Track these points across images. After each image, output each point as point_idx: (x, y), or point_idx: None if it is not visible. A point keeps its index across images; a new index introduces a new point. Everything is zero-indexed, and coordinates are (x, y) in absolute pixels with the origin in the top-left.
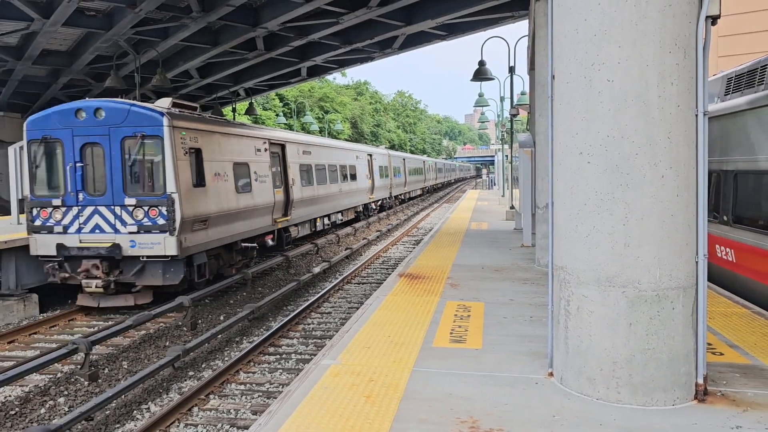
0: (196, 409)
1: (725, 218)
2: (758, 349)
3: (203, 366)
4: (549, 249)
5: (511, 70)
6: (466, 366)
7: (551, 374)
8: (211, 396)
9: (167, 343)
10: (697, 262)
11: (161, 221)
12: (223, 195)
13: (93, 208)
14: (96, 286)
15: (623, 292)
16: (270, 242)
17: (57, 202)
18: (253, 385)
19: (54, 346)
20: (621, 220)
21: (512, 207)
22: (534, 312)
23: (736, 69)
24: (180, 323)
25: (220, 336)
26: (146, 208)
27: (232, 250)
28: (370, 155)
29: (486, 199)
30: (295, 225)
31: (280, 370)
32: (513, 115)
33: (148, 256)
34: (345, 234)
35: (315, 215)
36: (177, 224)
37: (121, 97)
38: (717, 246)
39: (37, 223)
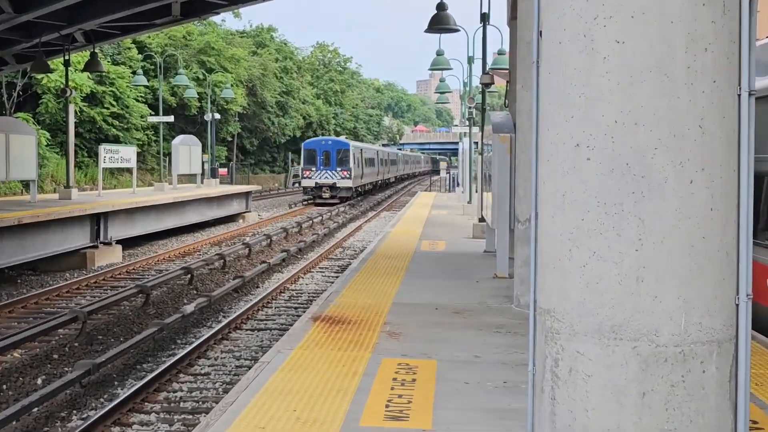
0: None
1: None
2: None
3: None
4: (531, 283)
5: (484, 18)
6: None
7: None
8: None
9: None
10: (737, 305)
11: (347, 175)
12: (358, 168)
13: (325, 170)
14: (327, 196)
15: (634, 348)
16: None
17: (314, 168)
18: None
19: None
20: (633, 244)
21: (482, 219)
22: (509, 375)
23: None
24: None
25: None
26: (342, 171)
27: (361, 188)
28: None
29: (445, 206)
30: (363, 184)
31: None
32: (485, 85)
33: (342, 186)
34: (235, 256)
35: (367, 181)
36: (352, 177)
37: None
38: (767, 279)
39: (305, 175)
